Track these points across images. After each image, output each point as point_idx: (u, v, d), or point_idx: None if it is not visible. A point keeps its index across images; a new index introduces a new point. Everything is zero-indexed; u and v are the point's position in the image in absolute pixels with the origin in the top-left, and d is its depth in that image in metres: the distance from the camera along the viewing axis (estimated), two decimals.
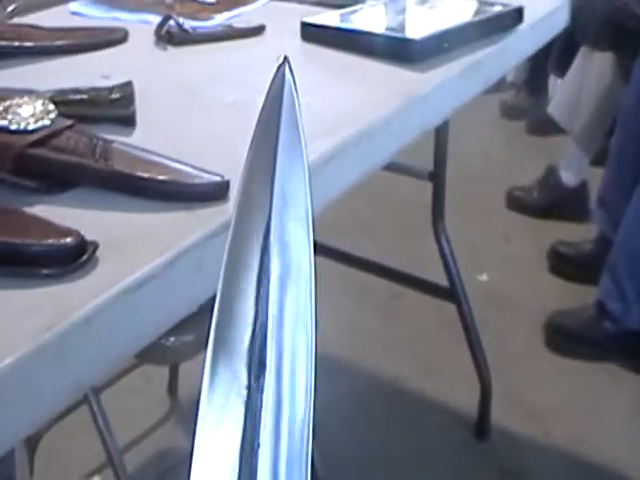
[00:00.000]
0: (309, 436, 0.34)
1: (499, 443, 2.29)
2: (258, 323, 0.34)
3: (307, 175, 0.36)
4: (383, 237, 2.94)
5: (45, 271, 0.85)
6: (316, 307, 0.35)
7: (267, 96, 0.37)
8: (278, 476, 0.33)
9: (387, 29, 1.52)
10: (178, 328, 1.58)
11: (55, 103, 1.06)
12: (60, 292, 0.84)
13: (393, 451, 2.25)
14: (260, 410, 0.34)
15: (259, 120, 0.37)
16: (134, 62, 1.40)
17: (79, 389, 0.89)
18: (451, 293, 2.17)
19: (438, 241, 2.11)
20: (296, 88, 0.37)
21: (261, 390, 0.34)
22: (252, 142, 0.37)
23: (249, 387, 0.34)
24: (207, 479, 0.33)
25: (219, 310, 0.35)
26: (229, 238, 0.36)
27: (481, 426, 2.30)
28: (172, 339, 1.58)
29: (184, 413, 2.18)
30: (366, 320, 2.68)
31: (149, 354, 1.65)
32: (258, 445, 0.33)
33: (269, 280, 0.35)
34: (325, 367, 2.40)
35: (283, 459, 0.33)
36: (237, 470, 0.33)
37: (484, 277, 2.83)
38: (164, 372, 2.26)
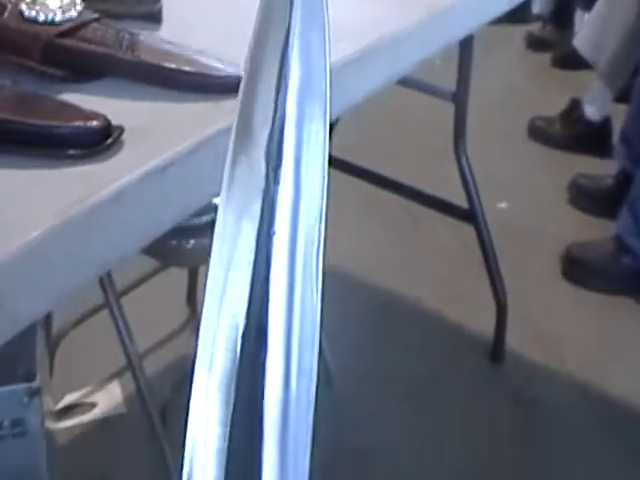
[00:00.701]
0: (321, 230, 0.36)
1: (513, 369, 2.31)
2: (277, 118, 0.36)
3: None
4: (401, 159, 2.94)
5: (72, 152, 0.87)
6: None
7: None
8: (295, 262, 0.35)
9: None
10: (198, 231, 1.60)
11: None
12: (87, 172, 0.86)
13: (409, 371, 2.28)
14: (276, 199, 0.36)
15: None
16: None
17: (104, 268, 0.91)
18: (470, 215, 2.17)
19: (459, 161, 2.10)
20: None
21: (278, 181, 0.36)
22: None
23: (267, 177, 0.36)
24: (226, 264, 0.35)
25: (241, 109, 0.37)
26: (251, 42, 0.37)
27: (496, 351, 2.32)
28: (192, 242, 1.60)
29: None
30: (386, 242, 2.69)
31: (169, 256, 1.68)
32: (274, 232, 0.35)
33: (288, 83, 0.37)
34: (343, 286, 2.43)
35: (300, 248, 0.36)
36: (253, 255, 0.35)
37: (503, 205, 2.83)
38: (182, 280, 2.28)
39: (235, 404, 0.36)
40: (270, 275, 0.35)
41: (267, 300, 0.35)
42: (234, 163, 0.36)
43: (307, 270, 0.36)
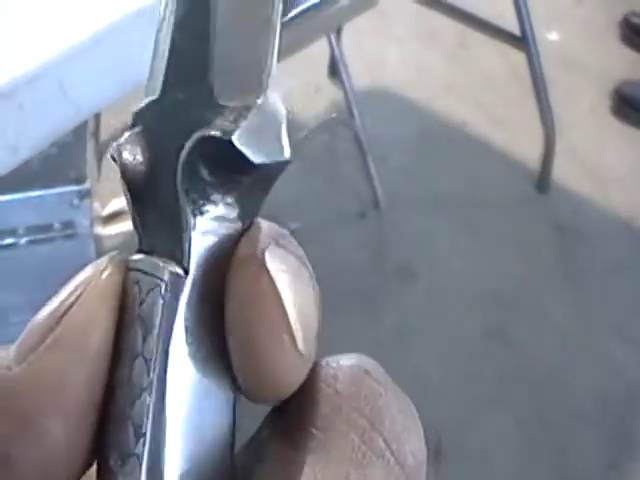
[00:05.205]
0: None
1: (558, 200, 2.30)
2: None
3: None
4: None
5: None
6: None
7: None
8: None
9: None
10: None
11: None
12: None
13: (454, 195, 2.27)
14: None
15: None
16: None
17: None
18: (522, 42, 2.13)
19: None
20: None
21: None
22: None
23: None
24: None
25: None
26: None
27: (542, 181, 2.30)
28: None
29: None
30: (436, 64, 2.65)
31: None
32: None
33: None
34: (393, 106, 2.41)
35: None
36: None
37: (554, 36, 2.77)
38: None
39: None
40: None
41: None
42: None
43: None
